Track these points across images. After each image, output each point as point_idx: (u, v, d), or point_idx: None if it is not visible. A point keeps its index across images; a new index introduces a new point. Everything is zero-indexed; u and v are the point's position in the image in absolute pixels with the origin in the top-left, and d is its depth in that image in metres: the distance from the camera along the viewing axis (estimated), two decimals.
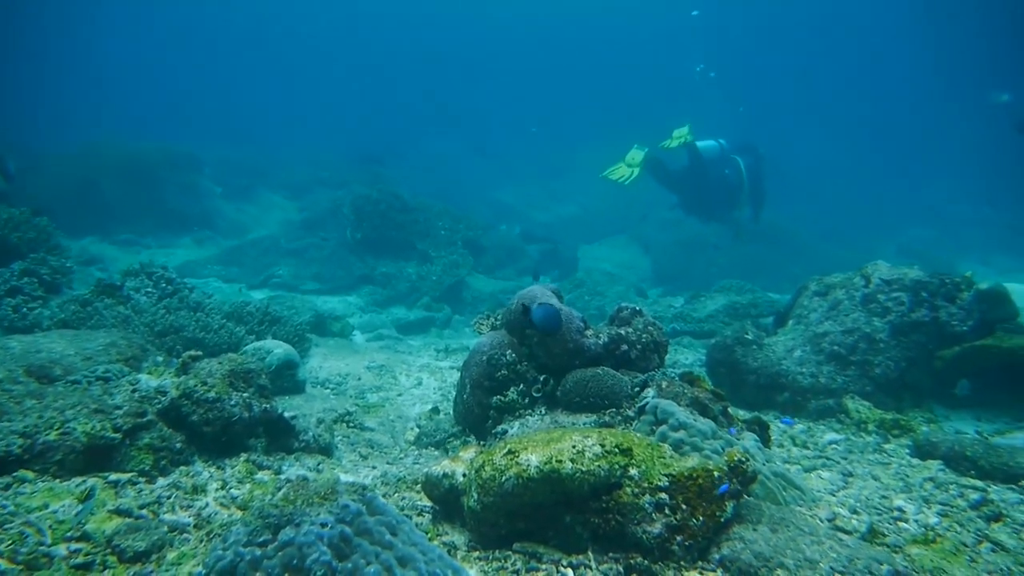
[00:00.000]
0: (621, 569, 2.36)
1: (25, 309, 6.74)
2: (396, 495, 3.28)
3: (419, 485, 3.19)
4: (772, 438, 4.26)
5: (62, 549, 2.32)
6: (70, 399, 3.23)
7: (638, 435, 2.80)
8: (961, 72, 35.72)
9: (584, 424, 3.61)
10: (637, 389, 3.78)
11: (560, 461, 2.46)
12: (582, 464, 2.46)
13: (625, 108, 34.52)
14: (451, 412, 5.02)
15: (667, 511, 2.43)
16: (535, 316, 3.95)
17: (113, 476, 2.93)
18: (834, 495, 3.68)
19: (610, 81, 44.53)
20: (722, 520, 2.50)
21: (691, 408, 3.45)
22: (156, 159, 15.95)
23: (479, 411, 4.24)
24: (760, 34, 40.16)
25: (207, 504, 2.91)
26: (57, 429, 2.97)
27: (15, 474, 2.76)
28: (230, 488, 3.12)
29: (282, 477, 3.39)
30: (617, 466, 2.50)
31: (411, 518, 2.93)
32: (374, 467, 3.96)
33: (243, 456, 3.52)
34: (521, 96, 45.54)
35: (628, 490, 2.46)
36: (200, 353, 3.93)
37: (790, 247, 17.08)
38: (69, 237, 11.73)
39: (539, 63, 46.49)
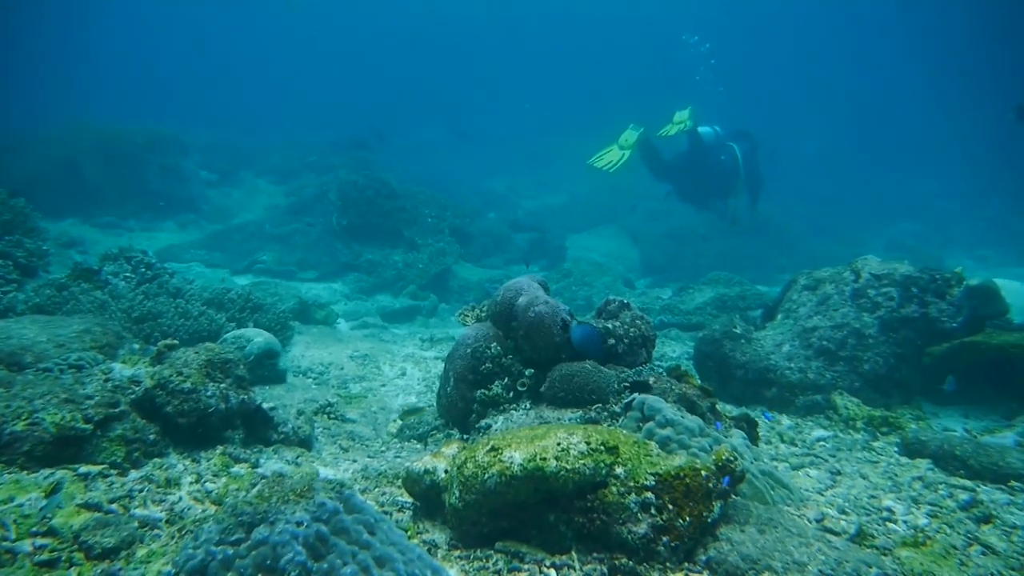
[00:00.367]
0: (605, 570, 2.30)
1: None
2: (376, 490, 3.21)
3: (400, 480, 3.12)
4: (760, 435, 4.22)
5: (27, 545, 2.24)
6: (40, 388, 3.13)
7: (624, 432, 2.73)
8: (951, 66, 35.93)
9: (569, 420, 3.54)
10: (624, 385, 3.71)
11: (544, 459, 2.40)
12: (567, 462, 2.39)
13: (616, 95, 34.41)
14: (434, 405, 4.95)
15: (653, 511, 2.38)
16: (574, 337, 3.88)
17: (83, 468, 2.85)
18: (822, 494, 3.64)
19: (601, 67, 44.45)
20: (709, 521, 2.44)
21: (678, 405, 3.39)
22: (140, 141, 15.60)
23: (463, 405, 4.16)
24: (752, 21, 40.13)
25: (180, 498, 2.83)
26: (25, 419, 2.87)
27: None
28: (205, 482, 3.03)
29: (259, 471, 3.30)
30: (603, 464, 2.43)
31: (391, 515, 2.86)
32: (355, 460, 3.88)
33: (219, 449, 3.43)
34: (509, 82, 45.42)
35: (614, 489, 2.40)
36: (176, 342, 3.82)
37: (779, 240, 17.08)
38: (49, 219, 11.51)
39: (529, 49, 46.33)
